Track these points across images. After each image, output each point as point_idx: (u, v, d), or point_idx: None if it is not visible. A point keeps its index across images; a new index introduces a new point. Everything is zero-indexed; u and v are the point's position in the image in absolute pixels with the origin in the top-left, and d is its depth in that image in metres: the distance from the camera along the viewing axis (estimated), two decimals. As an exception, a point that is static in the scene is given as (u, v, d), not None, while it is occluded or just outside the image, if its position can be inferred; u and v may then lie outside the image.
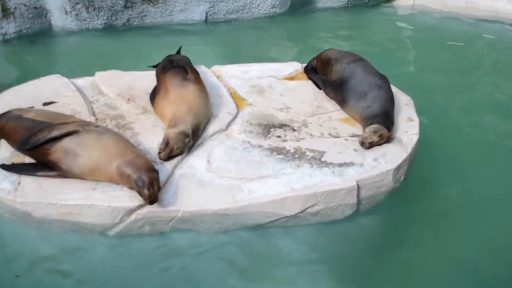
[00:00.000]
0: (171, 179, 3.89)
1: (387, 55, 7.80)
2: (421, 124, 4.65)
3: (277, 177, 3.95)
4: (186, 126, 4.13)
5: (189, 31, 8.24)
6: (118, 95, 4.84)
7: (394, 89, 4.85)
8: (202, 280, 3.67)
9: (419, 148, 4.48)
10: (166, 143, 3.98)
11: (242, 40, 8.22)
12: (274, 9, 8.94)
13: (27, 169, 3.84)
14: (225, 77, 5.33)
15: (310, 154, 4.18)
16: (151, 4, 8.19)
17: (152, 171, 3.64)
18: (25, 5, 7.54)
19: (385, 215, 4.35)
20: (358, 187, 3.95)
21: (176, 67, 4.76)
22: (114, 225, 3.71)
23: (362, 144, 4.23)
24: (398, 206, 4.39)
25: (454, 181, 4.85)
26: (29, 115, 4.06)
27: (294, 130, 4.50)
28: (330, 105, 4.89)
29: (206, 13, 8.54)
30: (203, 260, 3.78)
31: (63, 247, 3.77)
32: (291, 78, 5.39)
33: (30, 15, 7.61)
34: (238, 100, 4.91)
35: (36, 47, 7.45)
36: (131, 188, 3.64)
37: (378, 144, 4.26)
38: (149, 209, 3.64)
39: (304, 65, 5.58)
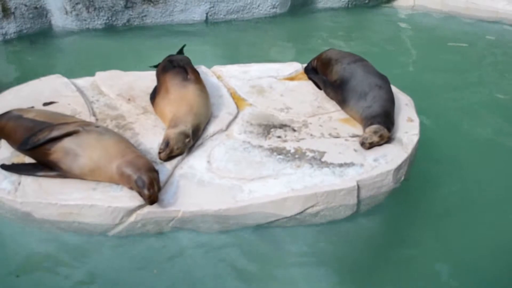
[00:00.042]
0: (171, 180, 3.89)
1: (387, 56, 7.81)
2: (421, 124, 4.66)
3: (277, 177, 3.95)
4: (186, 126, 4.13)
5: (189, 31, 8.24)
6: (118, 95, 4.84)
7: (394, 89, 4.85)
8: (202, 280, 3.67)
9: (419, 148, 4.48)
10: (166, 143, 3.99)
11: (242, 40, 8.22)
12: (274, 10, 8.94)
13: (27, 169, 3.84)
14: (225, 77, 5.33)
15: (311, 155, 4.19)
16: (152, 4, 8.19)
17: (152, 172, 3.64)
18: (26, 5, 7.54)
19: (385, 215, 4.35)
20: (359, 188, 3.95)
21: (176, 67, 4.76)
22: (114, 226, 3.71)
23: (362, 144, 4.23)
24: (398, 206, 4.38)
25: (454, 181, 4.85)
26: (29, 115, 4.06)
27: (294, 130, 4.50)
28: (331, 106, 4.89)
29: (207, 14, 8.54)
30: (203, 260, 3.78)
31: (63, 248, 3.77)
32: (291, 79, 5.39)
33: (31, 15, 7.62)
34: (238, 100, 4.91)
35: (36, 47, 7.46)
36: (131, 188, 3.64)
37: (379, 144, 4.26)
38: (149, 209, 3.65)
39: (305, 65, 5.58)
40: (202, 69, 5.31)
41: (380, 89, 4.60)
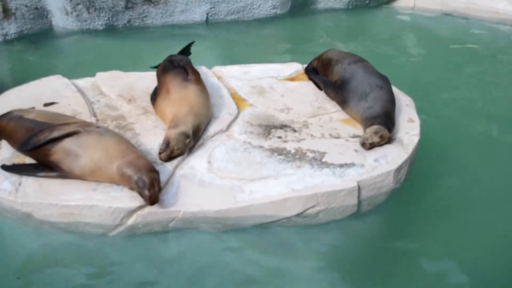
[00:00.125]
0: (172, 180, 3.89)
1: (388, 56, 7.80)
2: (421, 124, 4.65)
3: (277, 177, 3.95)
4: (187, 126, 4.13)
5: (189, 32, 8.24)
6: (119, 96, 4.84)
7: (395, 90, 4.85)
8: (202, 281, 3.67)
9: (419, 149, 4.48)
10: (167, 143, 3.99)
11: (242, 41, 8.22)
12: (274, 10, 8.94)
13: (28, 169, 3.84)
14: (226, 77, 5.33)
15: (311, 155, 4.19)
16: (152, 5, 8.19)
17: (153, 172, 3.64)
18: (26, 6, 7.55)
19: (385, 215, 4.35)
20: (359, 188, 3.95)
21: (177, 67, 4.76)
22: (115, 226, 3.71)
23: (363, 145, 4.23)
24: (398, 206, 4.38)
25: (454, 181, 4.85)
26: (30, 116, 4.06)
27: (294, 130, 4.50)
28: (331, 106, 4.89)
29: (207, 14, 8.54)
30: (203, 260, 3.78)
31: (63, 248, 3.77)
32: (291, 79, 5.39)
33: (31, 16, 7.62)
34: (238, 101, 4.91)
35: (37, 47, 7.46)
36: (131, 189, 3.64)
37: (379, 145, 4.26)
38: (150, 210, 3.65)
39: (305, 65, 5.58)
40: (202, 69, 5.31)
41: (380, 90, 4.59)
